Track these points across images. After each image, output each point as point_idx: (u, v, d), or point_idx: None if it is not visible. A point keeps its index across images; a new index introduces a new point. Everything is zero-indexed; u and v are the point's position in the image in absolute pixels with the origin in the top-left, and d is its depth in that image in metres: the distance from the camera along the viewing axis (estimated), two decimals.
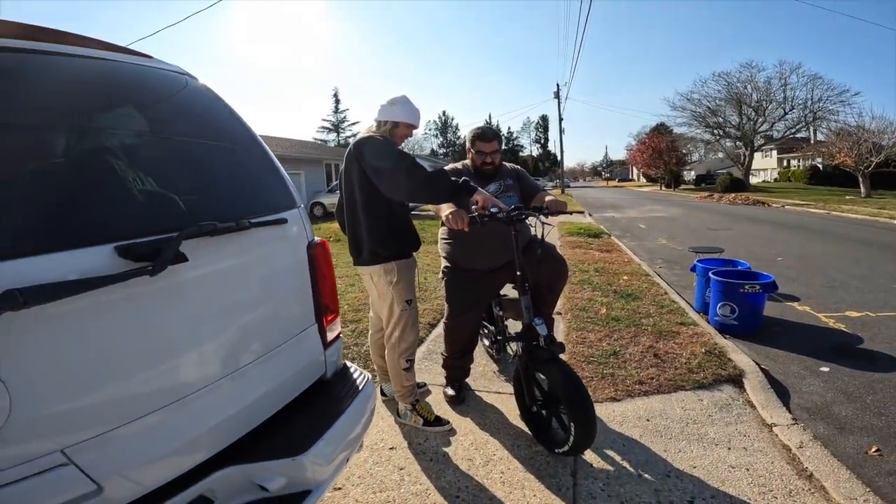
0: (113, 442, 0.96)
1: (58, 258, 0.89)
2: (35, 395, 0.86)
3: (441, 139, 77.51)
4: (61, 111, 1.12)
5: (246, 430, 1.26)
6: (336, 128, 61.25)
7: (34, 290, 0.81)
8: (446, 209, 2.24)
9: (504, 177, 2.76)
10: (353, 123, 61.48)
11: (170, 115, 1.39)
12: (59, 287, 0.85)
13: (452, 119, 78.25)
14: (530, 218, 2.40)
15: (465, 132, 2.89)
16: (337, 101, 62.41)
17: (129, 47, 1.37)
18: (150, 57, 1.43)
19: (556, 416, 2.20)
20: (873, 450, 2.34)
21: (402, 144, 2.45)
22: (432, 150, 73.83)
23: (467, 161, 2.83)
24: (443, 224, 2.68)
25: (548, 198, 2.51)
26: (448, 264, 2.75)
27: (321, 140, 55.75)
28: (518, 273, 2.28)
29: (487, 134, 2.71)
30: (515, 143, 79.02)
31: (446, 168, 2.68)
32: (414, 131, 2.48)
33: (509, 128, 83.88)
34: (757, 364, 3.27)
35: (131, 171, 1.13)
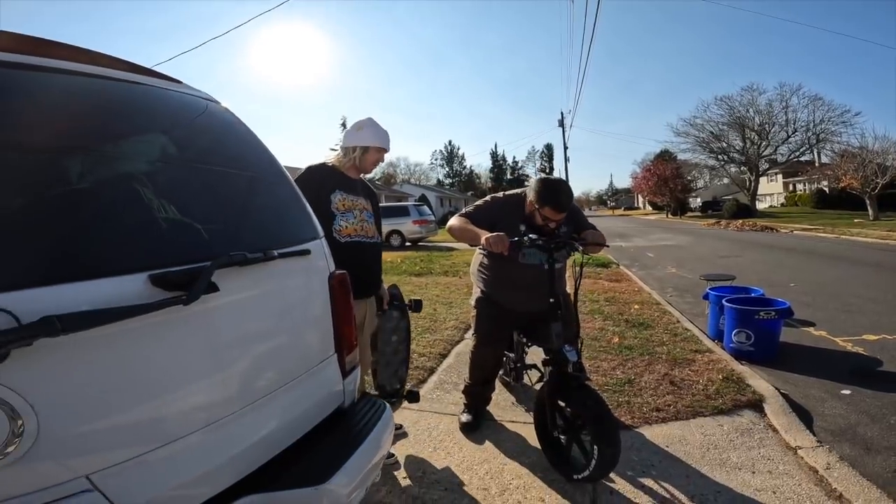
0: (138, 469, 0.96)
1: (93, 286, 0.91)
2: (62, 420, 0.85)
3: (447, 169, 78.46)
4: (100, 136, 1.15)
5: (267, 459, 1.26)
6: None
7: (72, 317, 0.82)
8: (484, 234, 2.21)
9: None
10: None
11: (198, 143, 1.43)
12: (96, 315, 0.86)
13: (458, 148, 79.32)
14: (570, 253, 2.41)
15: (532, 182, 2.45)
16: (344, 130, 62.32)
17: (160, 71, 1.42)
18: (179, 82, 1.48)
19: (577, 441, 2.19)
20: None
21: (376, 170, 2.39)
22: (438, 181, 74.62)
23: (525, 195, 2.49)
24: (482, 251, 2.64)
25: (588, 232, 2.40)
26: (482, 295, 2.71)
27: None
28: (551, 300, 2.28)
29: (563, 205, 2.31)
30: (521, 172, 79.90)
31: (501, 195, 2.60)
32: (385, 155, 2.42)
33: (514, 157, 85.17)
34: (777, 389, 3.21)
35: (161, 199, 1.16)
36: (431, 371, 3.78)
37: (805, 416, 2.89)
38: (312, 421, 1.46)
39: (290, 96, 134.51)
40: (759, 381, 3.33)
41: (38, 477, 0.83)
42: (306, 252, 1.47)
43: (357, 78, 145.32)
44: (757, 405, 2.96)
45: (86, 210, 1.02)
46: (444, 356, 4.14)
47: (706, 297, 4.76)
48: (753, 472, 2.26)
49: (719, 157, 39.81)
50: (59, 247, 0.92)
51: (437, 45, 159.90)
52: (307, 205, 1.64)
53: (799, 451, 2.43)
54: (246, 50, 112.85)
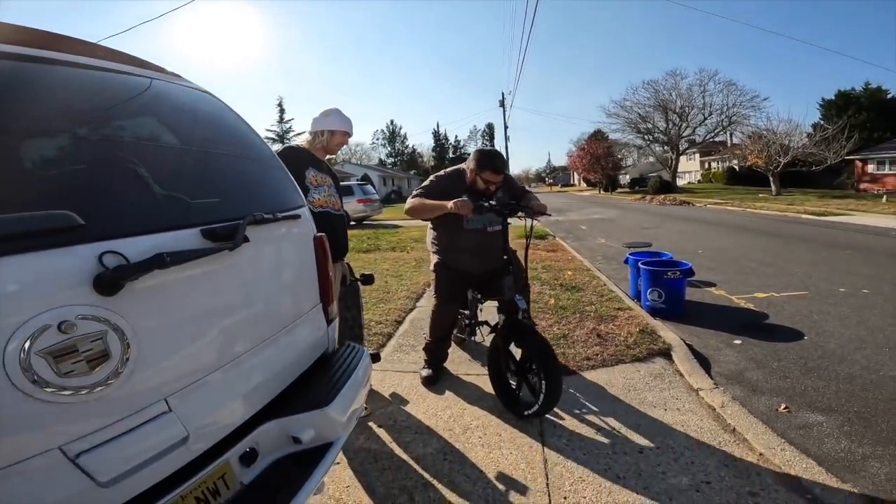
0: (196, 392, 1.17)
1: (163, 237, 1.13)
2: (151, 346, 1.05)
3: (389, 148, 77.08)
4: (159, 132, 1.42)
5: (279, 391, 1.51)
6: (281, 138, 56.43)
7: (175, 253, 1.05)
8: (447, 203, 2.54)
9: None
10: (300, 133, 58.44)
11: (219, 133, 1.67)
12: (188, 253, 1.10)
13: (400, 128, 77.95)
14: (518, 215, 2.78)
15: (471, 154, 2.89)
16: (282, 111, 57.92)
17: (162, 66, 1.61)
18: (179, 76, 1.67)
19: (526, 382, 2.57)
20: (782, 407, 2.72)
21: (339, 152, 2.72)
22: (380, 160, 73.31)
23: (464, 169, 2.88)
24: (431, 227, 3.00)
25: (533, 202, 2.87)
26: (438, 260, 3.03)
27: None
28: (504, 257, 2.65)
29: (500, 168, 2.74)
30: (463, 151, 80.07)
31: (443, 173, 2.92)
32: (349, 139, 2.76)
33: (456, 136, 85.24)
34: (682, 340, 3.76)
35: (198, 170, 1.44)
36: (389, 336, 4.09)
37: (704, 363, 3.40)
38: (307, 361, 1.72)
39: (219, 77, 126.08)
40: (668, 332, 3.91)
41: (133, 400, 1.02)
42: (298, 216, 1.73)
43: (292, 58, 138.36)
44: (666, 353, 3.47)
45: (159, 181, 1.26)
46: (399, 323, 4.46)
47: (627, 261, 5.36)
48: (666, 410, 2.69)
49: (645, 137, 42.34)
50: (141, 208, 1.17)
51: (380, 21, 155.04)
52: (293, 179, 1.88)
53: (700, 393, 2.84)
54: (173, 28, 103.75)
